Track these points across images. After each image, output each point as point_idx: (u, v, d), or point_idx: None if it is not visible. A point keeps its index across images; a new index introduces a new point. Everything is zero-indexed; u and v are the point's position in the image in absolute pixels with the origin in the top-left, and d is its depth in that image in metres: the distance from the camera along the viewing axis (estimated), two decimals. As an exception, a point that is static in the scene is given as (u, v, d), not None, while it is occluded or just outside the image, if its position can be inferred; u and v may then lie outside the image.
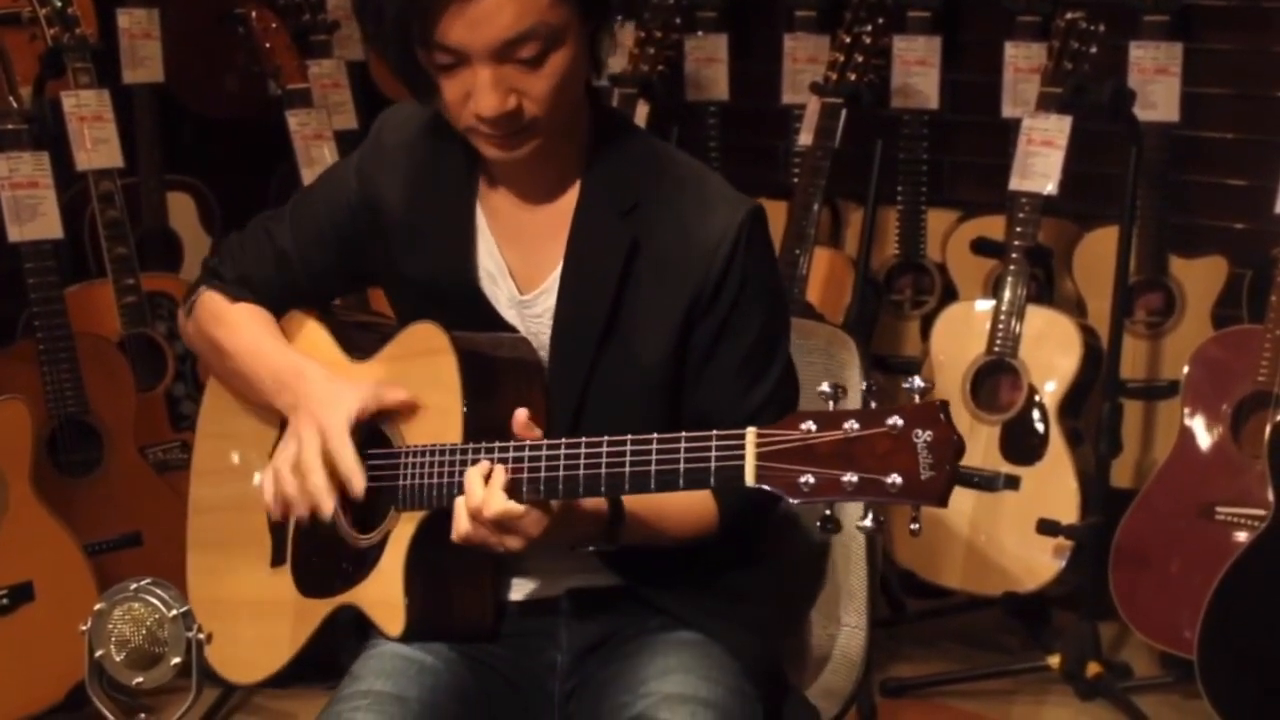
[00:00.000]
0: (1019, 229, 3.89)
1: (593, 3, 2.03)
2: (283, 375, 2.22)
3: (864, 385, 2.45)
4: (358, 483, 2.10)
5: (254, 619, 2.30)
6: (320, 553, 2.25)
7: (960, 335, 4.00)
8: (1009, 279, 3.89)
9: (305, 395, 2.18)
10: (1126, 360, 3.97)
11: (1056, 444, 3.85)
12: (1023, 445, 3.88)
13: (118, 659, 1.74)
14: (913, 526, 1.82)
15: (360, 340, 2.30)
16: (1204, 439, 3.69)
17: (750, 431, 1.84)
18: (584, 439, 1.95)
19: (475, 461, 2.02)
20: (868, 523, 1.80)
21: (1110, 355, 3.79)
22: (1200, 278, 4.15)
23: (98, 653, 1.75)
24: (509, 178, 2.17)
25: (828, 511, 1.84)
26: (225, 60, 4.66)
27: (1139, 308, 4.17)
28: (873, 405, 1.80)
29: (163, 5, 4.30)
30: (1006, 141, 4.25)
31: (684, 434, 1.89)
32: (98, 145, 3.89)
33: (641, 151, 2.17)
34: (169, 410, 3.98)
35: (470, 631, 2.20)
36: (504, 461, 1.99)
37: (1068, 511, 3.79)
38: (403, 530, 2.13)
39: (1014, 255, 3.89)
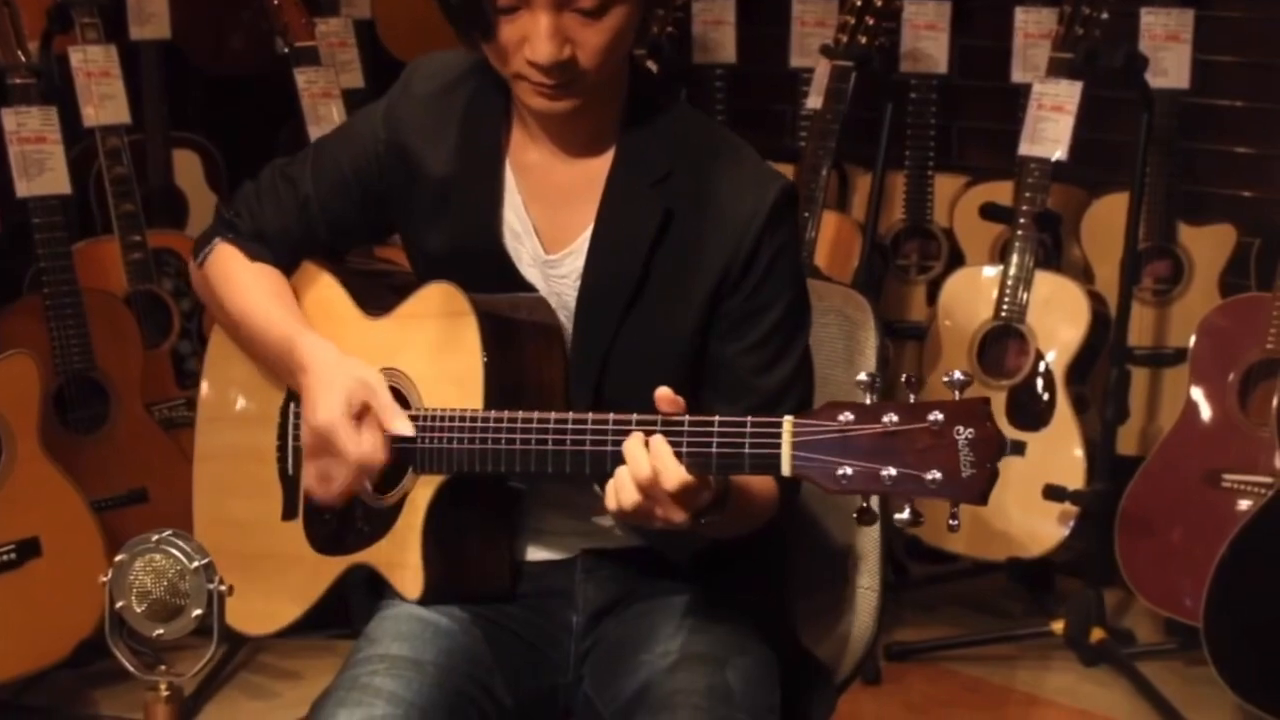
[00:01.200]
0: (1028, 194, 3.89)
1: None
2: (289, 351, 2.19)
3: (877, 343, 2.50)
4: (377, 458, 2.08)
5: (263, 572, 2.28)
6: (333, 509, 2.24)
7: (968, 300, 4.00)
8: (1017, 244, 3.89)
9: (305, 373, 2.14)
10: (1133, 327, 3.97)
11: (1063, 410, 3.85)
12: (1029, 411, 3.88)
13: (138, 610, 1.73)
14: (951, 523, 1.80)
15: (374, 294, 2.27)
16: (1211, 407, 3.69)
17: (787, 420, 1.82)
18: (611, 415, 1.92)
19: (498, 429, 2.00)
20: (905, 515, 1.79)
21: (1119, 322, 3.79)
22: (1208, 245, 4.15)
23: (119, 604, 1.74)
24: (544, 134, 2.15)
25: (864, 504, 1.82)
26: (232, 17, 4.65)
27: (1146, 275, 4.17)
28: (912, 399, 1.79)
29: (170, -39, 4.28)
30: (1015, 106, 4.24)
31: (717, 418, 1.87)
32: (105, 101, 3.88)
33: (679, 120, 2.15)
34: (175, 367, 3.97)
35: (487, 593, 2.19)
36: (529, 434, 1.98)
37: (1073, 478, 3.79)
38: (421, 493, 2.12)
39: (1022, 221, 3.89)
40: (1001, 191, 4.23)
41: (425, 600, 2.13)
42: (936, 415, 1.76)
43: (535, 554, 2.23)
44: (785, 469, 1.83)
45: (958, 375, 1.79)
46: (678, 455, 1.86)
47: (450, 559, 2.15)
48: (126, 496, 3.70)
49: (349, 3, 4.56)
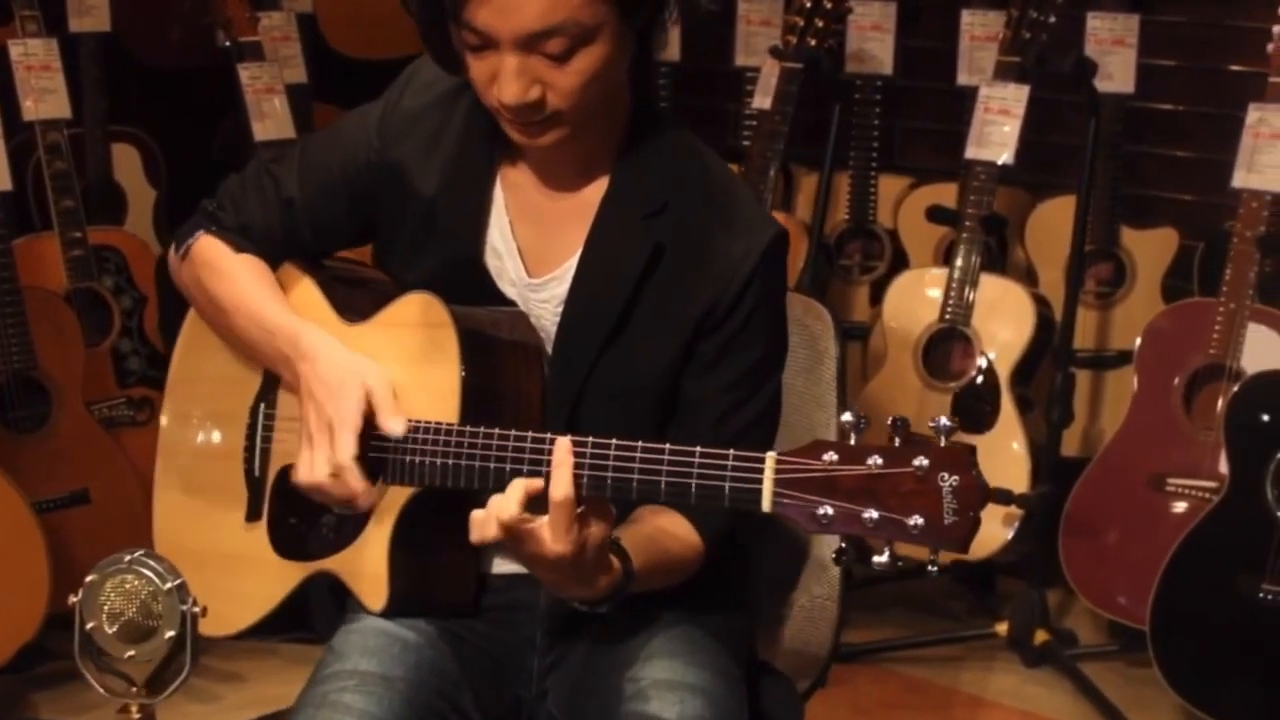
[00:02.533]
0: (974, 197, 3.90)
1: (632, 2, 1.97)
2: (287, 348, 2.15)
3: (836, 353, 2.50)
4: (352, 481, 2.04)
5: (224, 572, 2.25)
6: (300, 514, 2.21)
7: (913, 302, 4.01)
8: (962, 248, 3.91)
9: (311, 378, 2.10)
10: (1076, 330, 3.98)
11: (1008, 412, 3.87)
12: (974, 413, 3.90)
13: (109, 632, 1.70)
14: (931, 569, 1.80)
15: (352, 300, 2.24)
16: (1156, 410, 3.72)
17: (770, 456, 1.82)
18: (590, 439, 1.91)
19: (474, 444, 1.98)
20: (884, 559, 1.79)
21: (1064, 326, 3.81)
22: (1151, 249, 4.18)
23: (89, 625, 1.71)
24: (534, 160, 2.13)
25: (843, 544, 1.82)
26: (171, 9, 4.59)
27: (1089, 277, 4.20)
28: (898, 442, 1.78)
29: (110, -48, 4.22)
30: (959, 108, 4.27)
31: (698, 449, 1.86)
32: (45, 95, 3.82)
33: (677, 153, 2.12)
34: (115, 366, 3.92)
35: (452, 607, 2.18)
36: (504, 453, 1.96)
37: (1018, 480, 3.81)
38: (390, 503, 2.09)
39: (968, 224, 3.90)
40: (946, 193, 4.25)
41: (388, 613, 2.12)
42: (922, 460, 1.76)
43: (500, 566, 2.21)
44: (765, 505, 1.82)
45: (943, 421, 1.78)
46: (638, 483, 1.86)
47: (416, 572, 2.13)
48: (68, 498, 3.66)
49: (290, -3, 4.52)
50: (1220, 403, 3.58)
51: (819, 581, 2.49)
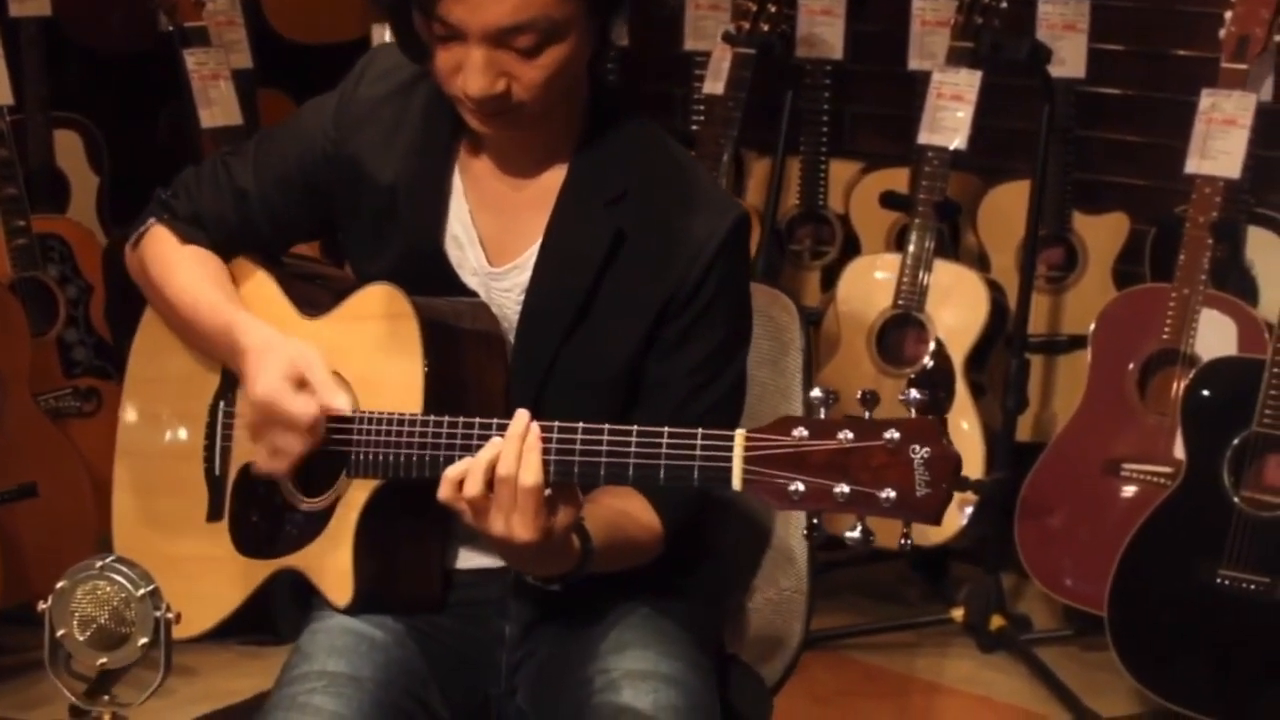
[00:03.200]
0: (926, 183, 3.90)
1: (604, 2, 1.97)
2: (226, 333, 2.13)
3: (802, 344, 2.49)
4: (335, 406, 2.02)
5: (185, 573, 2.21)
6: (261, 512, 2.18)
7: (866, 288, 4.00)
8: (915, 233, 3.90)
9: (245, 353, 2.09)
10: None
11: (962, 398, 3.87)
12: (929, 399, 3.88)
13: (80, 639, 1.67)
14: (903, 542, 1.79)
15: (311, 295, 2.22)
16: (1110, 396, 3.72)
17: (739, 434, 1.80)
18: (556, 424, 1.89)
19: (438, 434, 1.96)
20: (856, 534, 1.77)
21: (1019, 312, 3.82)
22: (1102, 233, 4.19)
23: (59, 632, 1.67)
24: (494, 149, 2.11)
25: (814, 520, 1.81)
26: (113, -9, 4.53)
27: (1041, 262, 4.19)
28: (867, 415, 1.77)
29: (51, -64, 4.16)
30: (909, 93, 4.26)
31: (666, 429, 1.84)
32: (-14, 82, 3.77)
33: (636, 139, 2.11)
34: (61, 356, 3.87)
35: (417, 602, 2.16)
36: (471, 440, 1.93)
37: (973, 466, 3.81)
38: (354, 497, 2.07)
39: (921, 209, 3.89)
40: (898, 179, 4.24)
41: (354, 608, 2.09)
42: (892, 433, 1.74)
43: (466, 561, 2.18)
44: (736, 483, 1.81)
45: (914, 394, 1.78)
46: (613, 465, 1.85)
47: (381, 565, 2.11)
48: (16, 491, 3.59)
49: (233, -20, 4.47)
50: (1175, 388, 3.60)
51: (786, 574, 2.47)
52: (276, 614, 2.24)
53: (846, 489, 1.75)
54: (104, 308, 3.93)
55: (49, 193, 4.24)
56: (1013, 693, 3.73)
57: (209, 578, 2.20)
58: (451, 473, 1.90)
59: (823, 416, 1.79)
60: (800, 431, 1.77)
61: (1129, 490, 3.68)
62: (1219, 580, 3.33)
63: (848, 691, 3.76)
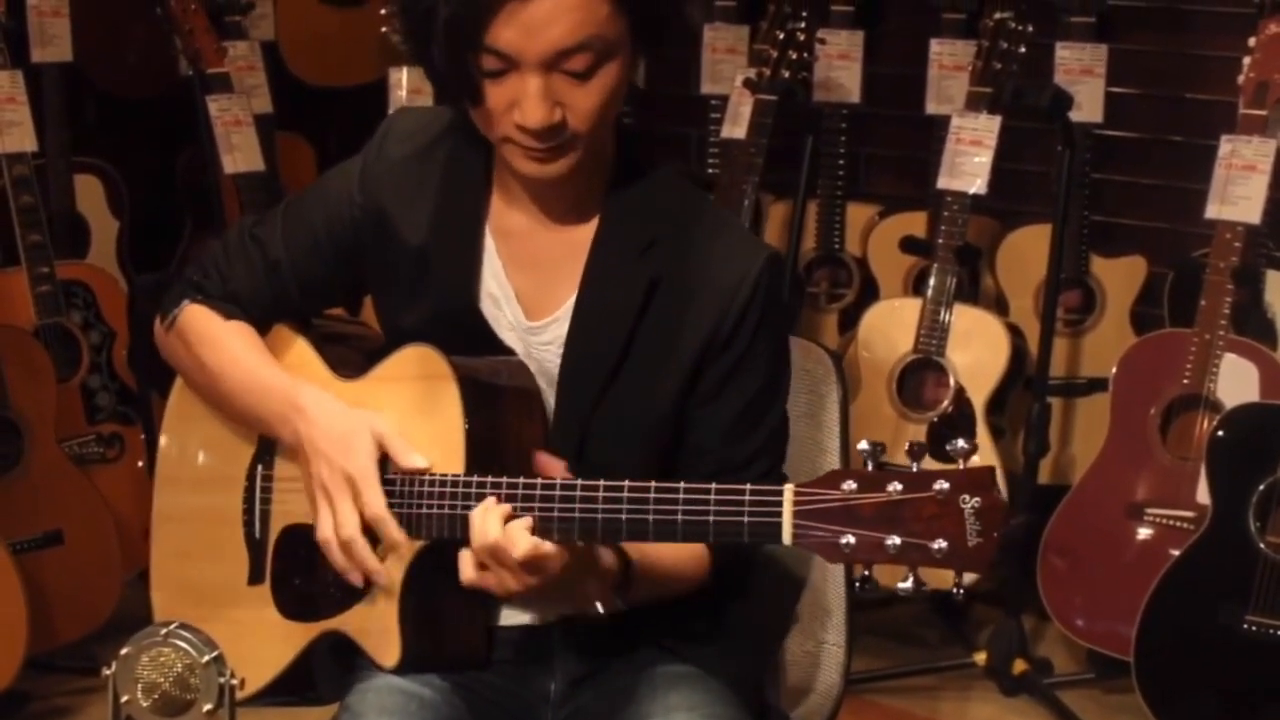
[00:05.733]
0: (946, 228, 3.91)
1: (648, 21, 1.97)
2: (284, 408, 2.14)
3: (840, 396, 2.50)
4: (393, 531, 2.04)
5: (229, 637, 2.19)
6: (304, 574, 2.19)
7: (887, 332, 4.02)
8: (935, 278, 3.91)
9: (315, 435, 2.09)
10: (1048, 358, 4.01)
11: (984, 442, 3.88)
12: (974, 448, 3.89)
13: (144, 705, 1.68)
14: (957, 592, 1.81)
15: (345, 357, 2.24)
16: (1132, 441, 3.73)
17: (788, 488, 1.82)
18: (602, 482, 1.91)
19: (481, 494, 1.98)
20: (908, 584, 1.79)
21: (1040, 355, 3.83)
22: (1120, 277, 4.21)
23: (123, 699, 1.68)
24: (528, 200, 2.12)
25: (866, 573, 1.82)
26: (131, 36, 4.54)
27: (1059, 305, 4.20)
28: (915, 467, 1.78)
29: (71, -19, 4.18)
30: (927, 136, 4.28)
31: (714, 485, 1.86)
32: (10, 128, 3.78)
33: (664, 188, 2.13)
34: (84, 403, 3.88)
35: (463, 660, 2.16)
36: (514, 499, 1.96)
37: (994, 509, 3.81)
38: (399, 557, 2.08)
39: (942, 254, 3.91)
40: (915, 222, 4.27)
41: (402, 668, 2.09)
42: (942, 484, 1.77)
43: (510, 618, 2.19)
44: (786, 538, 1.83)
45: (961, 444, 1.80)
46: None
47: (428, 625, 2.11)
48: (43, 538, 3.60)
49: (253, 25, 4.48)
50: (1197, 432, 3.61)
51: (825, 627, 2.49)
52: (317, 674, 2.24)
53: (898, 540, 1.77)
54: (127, 353, 3.94)
55: (69, 238, 4.25)
56: (1036, 737, 3.74)
57: (253, 641, 2.20)
58: (461, 557, 1.96)
59: (870, 469, 1.80)
60: (849, 484, 1.80)
61: (1152, 534, 3.69)
62: (1245, 626, 3.34)
63: (871, 736, 3.77)
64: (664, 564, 2.07)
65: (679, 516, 1.88)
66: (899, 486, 1.77)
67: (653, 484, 1.89)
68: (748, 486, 1.85)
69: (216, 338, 2.22)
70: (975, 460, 1.80)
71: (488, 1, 1.89)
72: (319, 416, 2.09)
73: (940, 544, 1.75)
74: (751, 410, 2.12)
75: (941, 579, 1.82)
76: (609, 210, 2.11)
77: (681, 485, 1.88)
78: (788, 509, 1.82)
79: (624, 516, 1.90)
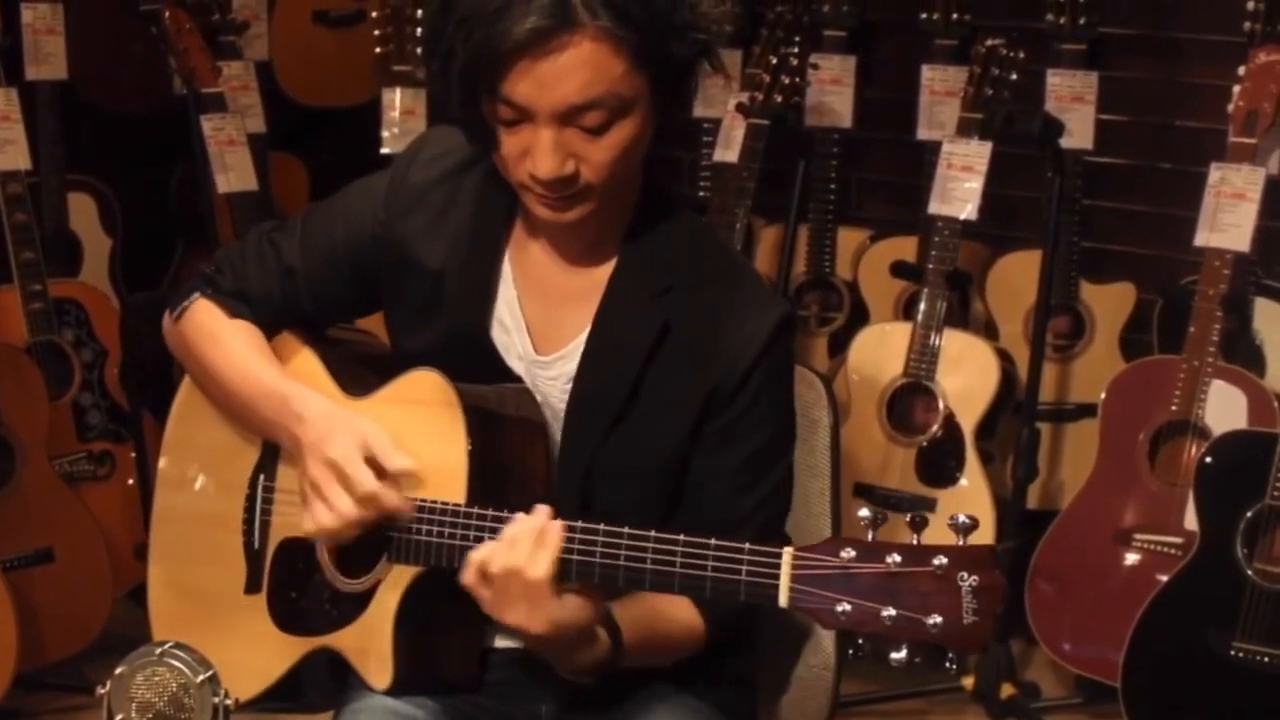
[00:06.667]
0: (937, 253, 3.93)
1: (669, 78, 1.98)
2: (279, 405, 2.14)
3: (831, 422, 2.50)
4: (392, 500, 2.03)
5: (222, 645, 2.21)
6: (300, 589, 2.20)
7: (877, 356, 4.03)
8: (927, 302, 3.93)
9: (306, 435, 2.09)
10: (1036, 383, 4.02)
11: (973, 467, 3.90)
12: (940, 468, 3.92)
13: (138, 725, 1.69)
14: (949, 666, 1.81)
15: (355, 373, 2.23)
16: (1120, 467, 3.75)
17: (787, 552, 1.83)
18: (601, 526, 1.93)
19: (482, 526, 1.99)
20: (901, 655, 1.80)
21: (1030, 381, 3.84)
22: (1109, 303, 4.22)
23: (118, 718, 1.69)
24: (545, 237, 2.13)
25: (860, 640, 1.83)
26: (125, 54, 4.55)
27: (1048, 331, 4.21)
28: (916, 540, 1.79)
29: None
30: (918, 161, 4.29)
31: (713, 541, 1.88)
32: (4, 146, 3.80)
33: (683, 234, 2.14)
34: (76, 420, 3.88)
35: (456, 683, 2.17)
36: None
37: (984, 534, 3.82)
38: (394, 581, 2.09)
39: (932, 280, 3.93)
40: (906, 247, 4.28)
41: (393, 691, 2.10)
42: (941, 560, 1.77)
43: (502, 641, 2.19)
44: (783, 601, 1.84)
45: (962, 519, 1.80)
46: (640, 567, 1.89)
47: (421, 649, 2.12)
48: (33, 556, 3.61)
49: (247, 45, 4.49)
50: (1185, 458, 3.63)
51: (814, 652, 2.49)
52: (307, 683, 2.25)
53: (894, 613, 1.77)
54: (119, 371, 3.94)
55: (62, 256, 4.26)
56: (1023, 761, 3.74)
57: (246, 650, 2.21)
58: (475, 556, 1.95)
59: (870, 538, 1.81)
60: (849, 553, 1.80)
61: (1140, 560, 3.70)
62: (1233, 653, 3.35)
63: (859, 759, 3.77)
64: (654, 641, 2.08)
65: (676, 569, 1.89)
66: (898, 559, 1.78)
67: (652, 533, 1.91)
68: (747, 545, 1.86)
69: (219, 334, 2.23)
70: (975, 536, 1.81)
71: (502, 54, 1.90)
72: (310, 418, 2.09)
73: (936, 619, 1.76)
74: (753, 465, 2.12)
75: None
76: (627, 252, 2.11)
77: (681, 538, 1.89)
78: (785, 572, 1.84)
79: (621, 564, 1.91)
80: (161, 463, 2.40)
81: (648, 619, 2.07)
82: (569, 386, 2.12)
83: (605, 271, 2.12)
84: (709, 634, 2.13)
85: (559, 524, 1.93)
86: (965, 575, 1.75)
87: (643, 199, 2.12)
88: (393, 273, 2.17)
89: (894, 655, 1.80)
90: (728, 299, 2.10)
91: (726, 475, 2.10)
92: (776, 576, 1.83)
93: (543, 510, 1.94)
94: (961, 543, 1.78)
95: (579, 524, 1.94)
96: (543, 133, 1.94)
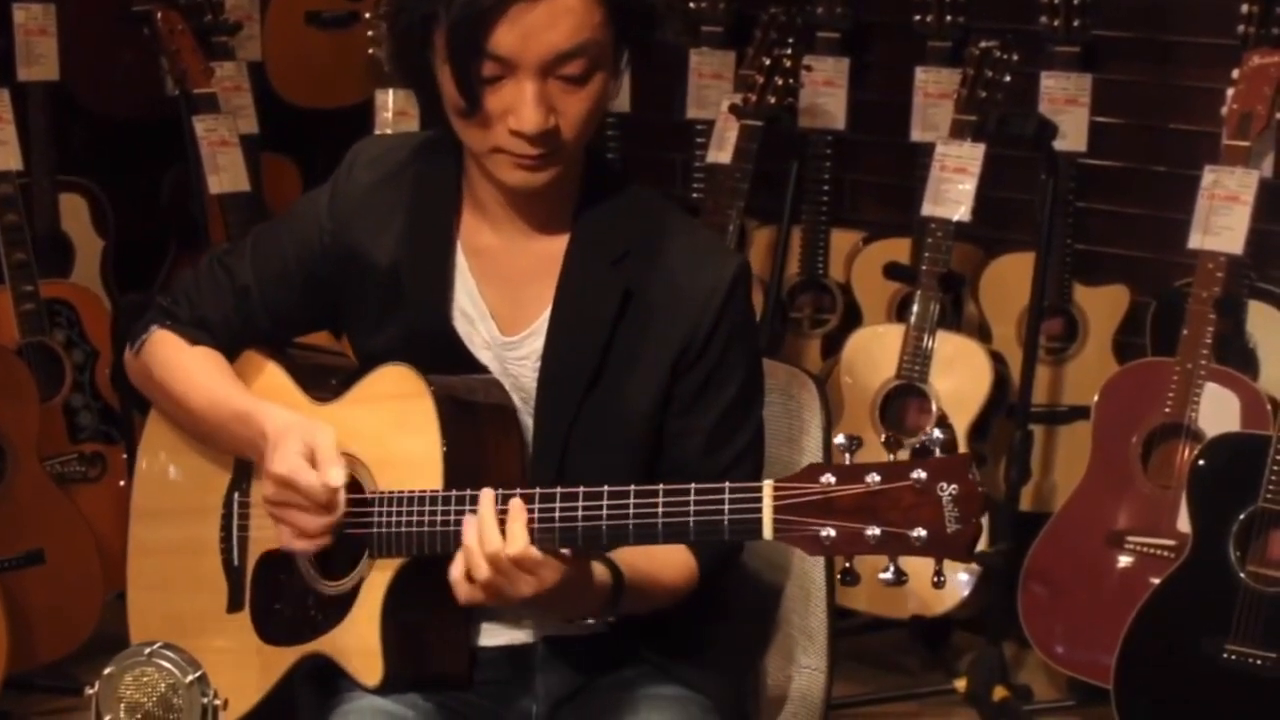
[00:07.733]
0: (930, 255, 3.92)
1: (632, 29, 2.01)
2: (245, 425, 2.14)
3: (823, 422, 2.51)
4: (308, 477, 2.02)
5: (210, 666, 2.21)
6: (283, 599, 2.20)
7: (870, 358, 4.03)
8: (920, 304, 3.92)
9: (268, 436, 2.10)
10: (1029, 386, 4.02)
11: (965, 469, 3.88)
12: (952, 439, 3.90)
13: (126, 726, 1.68)
14: (936, 579, 1.83)
15: (320, 381, 2.24)
16: (1113, 469, 3.74)
17: (767, 484, 1.83)
18: (582, 488, 1.92)
19: (459, 508, 1.98)
20: (889, 575, 1.81)
21: (1023, 383, 3.83)
22: (1102, 305, 4.22)
23: (105, 718, 1.69)
24: (500, 216, 2.14)
25: (848, 563, 1.84)
26: (118, 56, 4.54)
27: (1041, 333, 4.21)
28: (892, 458, 1.80)
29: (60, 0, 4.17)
30: (911, 163, 4.29)
31: (693, 485, 1.88)
32: (-4, 147, 3.79)
33: (632, 200, 2.16)
34: (67, 422, 3.88)
35: (446, 679, 2.17)
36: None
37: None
38: (377, 577, 2.09)
39: (925, 281, 3.92)
40: (899, 248, 4.28)
41: (384, 688, 2.10)
42: (919, 473, 1.79)
43: (491, 638, 2.20)
44: (767, 533, 1.84)
45: (936, 434, 1.82)
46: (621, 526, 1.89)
47: (409, 643, 2.12)
48: (24, 557, 3.59)
49: (240, 46, 4.48)
50: (1178, 461, 3.62)
51: (807, 652, 2.49)
52: (299, 702, 2.24)
53: (878, 531, 1.78)
54: (110, 372, 3.94)
55: (54, 257, 4.24)
56: (1016, 764, 3.74)
57: (234, 669, 2.20)
58: (455, 574, 1.95)
59: (848, 462, 1.81)
60: (828, 478, 1.81)
61: (1132, 563, 3.69)
62: (1225, 656, 3.35)
63: (851, 762, 3.77)
64: (652, 571, 2.08)
65: (659, 517, 1.89)
66: (877, 477, 1.79)
67: (631, 488, 1.91)
68: (726, 484, 1.86)
69: (182, 364, 2.23)
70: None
71: (490, 6, 1.92)
72: (272, 434, 2.09)
73: (920, 532, 1.77)
74: (728, 419, 2.14)
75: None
76: (580, 224, 2.13)
77: (661, 487, 1.90)
78: (768, 504, 1.83)
79: (604, 522, 1.91)
80: (134, 497, 2.41)
81: (640, 554, 2.07)
82: (539, 364, 2.13)
83: (560, 245, 2.13)
84: (702, 570, 2.14)
85: (514, 496, 1.93)
86: (945, 485, 1.77)
87: (588, 171, 2.14)
88: (346, 280, 2.18)
89: (881, 575, 1.81)
90: (683, 258, 2.12)
91: (703, 432, 2.13)
92: (759, 509, 1.83)
93: (486, 494, 1.94)
94: (938, 454, 1.80)
95: (557, 490, 1.93)
96: (526, 85, 1.96)
